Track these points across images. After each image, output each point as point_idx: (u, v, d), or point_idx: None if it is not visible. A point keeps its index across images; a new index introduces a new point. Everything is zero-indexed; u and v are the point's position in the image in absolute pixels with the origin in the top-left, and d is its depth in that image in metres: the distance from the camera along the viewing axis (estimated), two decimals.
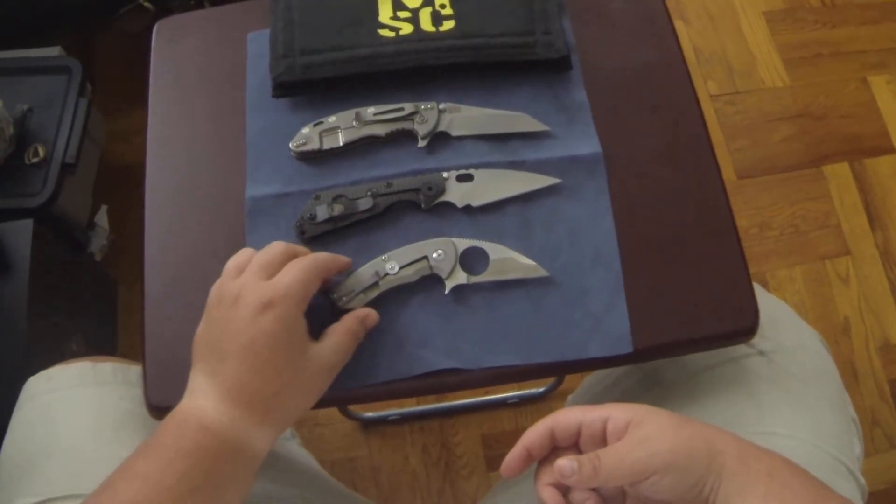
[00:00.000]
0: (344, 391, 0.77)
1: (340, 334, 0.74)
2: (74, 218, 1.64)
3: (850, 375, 1.70)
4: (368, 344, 0.78)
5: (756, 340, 0.85)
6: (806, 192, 1.89)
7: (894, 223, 1.87)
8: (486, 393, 1.64)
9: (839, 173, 1.92)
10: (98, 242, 1.73)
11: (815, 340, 0.93)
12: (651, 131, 0.89)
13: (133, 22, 1.96)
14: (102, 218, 1.77)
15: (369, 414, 1.61)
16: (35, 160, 1.49)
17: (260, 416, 0.69)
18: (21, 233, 1.37)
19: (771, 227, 1.84)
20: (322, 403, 0.76)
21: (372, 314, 0.76)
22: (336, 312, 0.77)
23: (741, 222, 1.83)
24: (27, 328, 1.29)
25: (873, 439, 1.66)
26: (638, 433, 0.64)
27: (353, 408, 1.58)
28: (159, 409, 0.78)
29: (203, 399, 0.69)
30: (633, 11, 0.96)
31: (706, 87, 1.99)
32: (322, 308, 0.78)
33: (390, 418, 1.62)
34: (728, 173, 1.89)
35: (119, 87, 1.95)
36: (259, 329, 0.69)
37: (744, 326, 0.81)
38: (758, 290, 0.85)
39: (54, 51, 1.72)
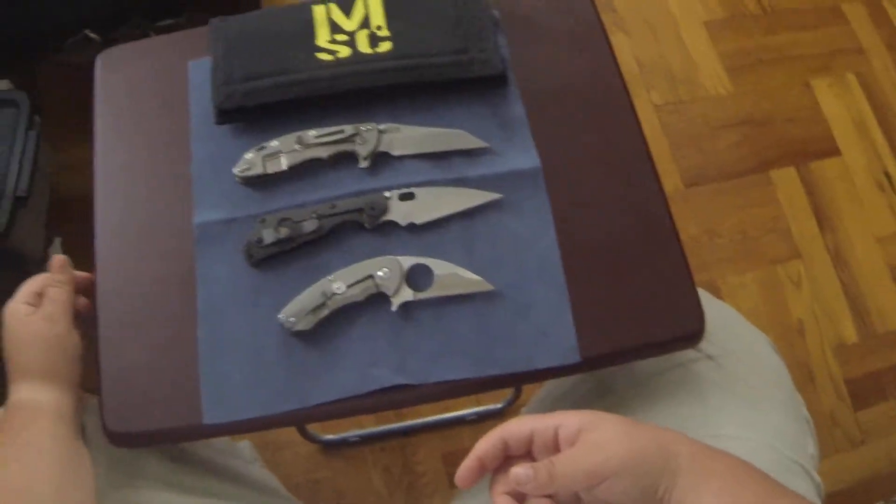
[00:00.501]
0: (298, 410, 0.79)
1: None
2: (28, 251, 1.64)
3: (807, 377, 1.73)
4: (320, 362, 0.80)
5: (704, 345, 0.87)
6: (754, 198, 1.92)
7: (843, 225, 1.90)
8: (445, 410, 1.65)
9: (786, 178, 1.95)
10: None
11: (763, 344, 0.95)
12: (589, 143, 0.90)
13: (80, 54, 1.96)
14: (57, 250, 1.76)
15: (329, 436, 1.61)
16: None
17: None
18: None
19: (720, 234, 1.87)
20: (278, 423, 0.77)
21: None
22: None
23: (690, 230, 1.85)
24: None
25: (834, 439, 1.69)
26: (590, 438, 0.65)
27: (313, 430, 1.58)
28: (119, 434, 0.79)
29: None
30: (567, 25, 0.97)
31: (650, 97, 2.02)
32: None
33: (350, 440, 1.62)
34: (675, 181, 1.91)
35: (68, 118, 1.94)
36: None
37: (689, 331, 0.83)
38: (705, 296, 0.87)
39: (3, 84, 1.72)
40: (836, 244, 1.88)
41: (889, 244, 1.90)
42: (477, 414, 1.63)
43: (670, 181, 1.91)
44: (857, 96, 2.07)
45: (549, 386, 1.12)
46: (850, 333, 1.79)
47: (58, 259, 0.90)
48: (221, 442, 1.15)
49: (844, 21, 2.17)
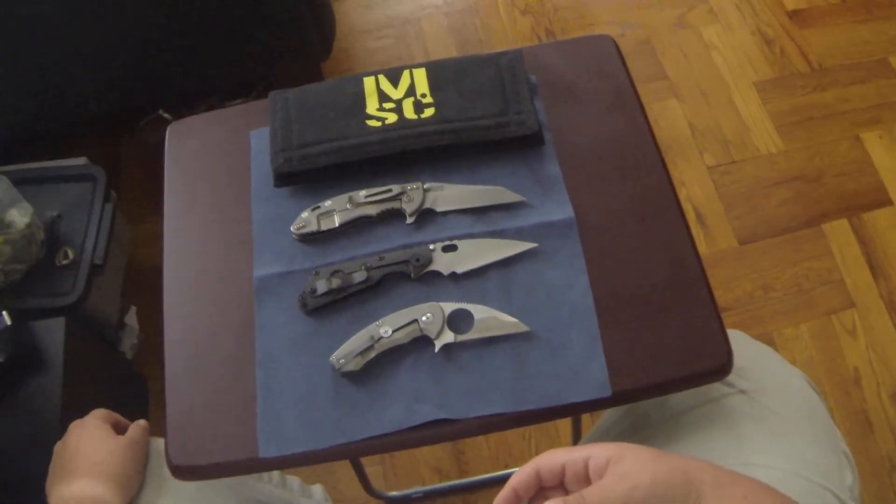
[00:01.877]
0: (347, 444, 0.85)
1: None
2: (104, 317, 1.73)
3: (865, 425, 1.73)
4: (368, 400, 0.86)
5: (737, 381, 0.92)
6: (807, 252, 1.95)
7: None
8: (506, 466, 1.69)
9: (838, 230, 1.98)
10: (128, 341, 1.81)
11: (799, 379, 0.98)
12: (620, 195, 0.96)
13: (153, 132, 2.08)
14: (132, 318, 1.86)
15: (394, 493, 1.66)
16: (65, 262, 1.58)
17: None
18: (54, 330, 1.45)
19: (774, 289, 1.90)
20: (328, 456, 0.84)
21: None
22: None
23: (745, 286, 1.89)
24: (59, 423, 1.37)
25: (893, 484, 1.69)
26: (618, 469, 0.68)
27: (378, 487, 1.63)
28: (180, 468, 0.86)
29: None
30: (601, 90, 1.04)
31: (703, 160, 2.07)
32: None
33: (414, 496, 1.67)
34: (729, 241, 1.95)
35: (142, 194, 2.06)
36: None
37: (716, 366, 0.87)
38: (741, 336, 0.92)
39: (80, 160, 1.83)
40: (889, 292, 1.90)
41: None
42: None
43: (725, 240, 1.95)
44: None
45: (595, 426, 1.17)
46: None
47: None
48: (297, 484, 1.22)
49: (892, 73, 2.21)
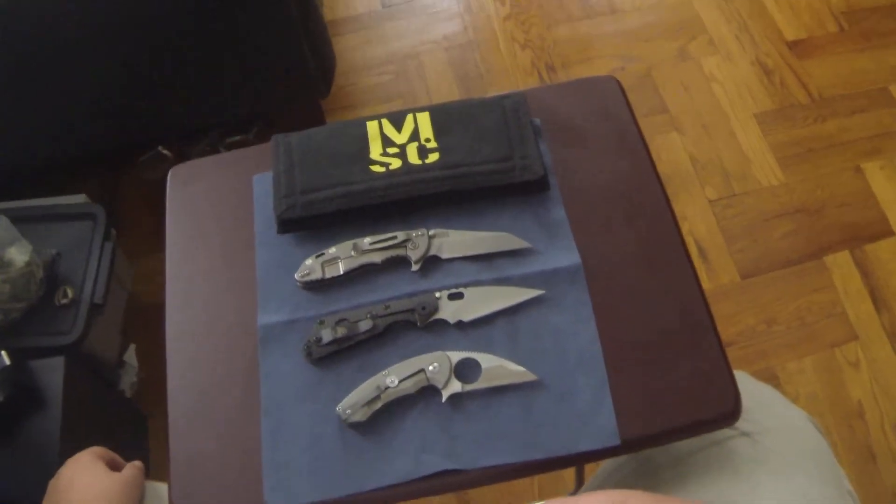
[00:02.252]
0: (354, 495, 0.84)
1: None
2: (104, 356, 1.72)
3: (868, 457, 1.73)
4: (375, 451, 0.85)
5: (741, 423, 0.91)
6: (810, 285, 1.95)
7: None
8: None
9: (841, 262, 1.98)
10: (128, 379, 1.80)
11: (802, 420, 0.98)
12: (627, 239, 0.96)
13: (152, 169, 2.08)
14: (131, 356, 1.84)
15: None
16: (64, 301, 1.57)
17: None
18: (53, 370, 1.44)
19: (777, 322, 1.89)
20: None
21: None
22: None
23: (748, 321, 1.89)
24: (58, 462, 1.35)
25: None
26: None
27: None
28: None
29: None
30: (605, 131, 1.04)
31: (704, 193, 2.07)
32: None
33: None
34: (731, 275, 1.95)
35: (142, 230, 2.05)
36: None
37: (725, 412, 0.87)
38: (744, 376, 0.91)
39: (80, 198, 1.82)
40: (892, 323, 1.90)
41: None
42: None
43: (727, 274, 1.95)
44: None
45: (599, 470, 1.16)
46: None
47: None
48: None
49: (893, 102, 2.22)
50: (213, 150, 2.07)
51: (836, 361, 1.84)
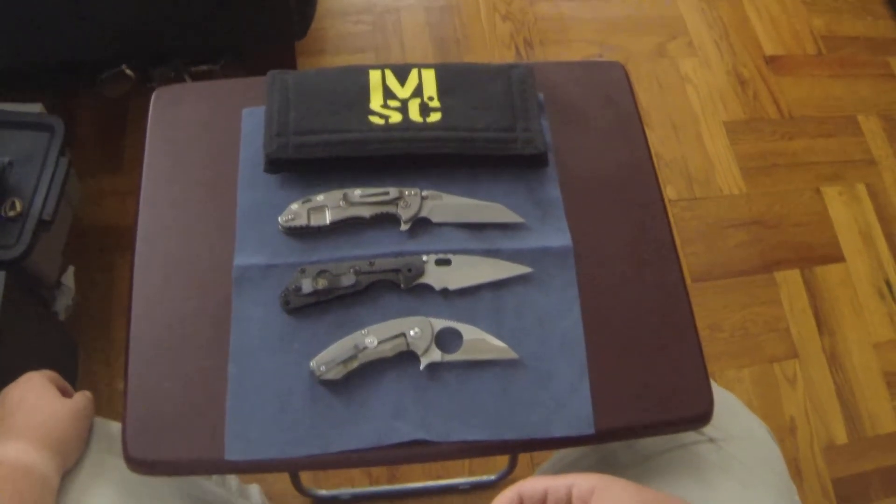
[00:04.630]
0: (319, 456, 0.81)
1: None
2: (44, 275, 1.66)
3: (795, 475, 1.75)
4: (345, 412, 0.82)
5: (707, 428, 0.91)
6: (758, 297, 1.96)
7: (842, 329, 1.95)
8: (438, 478, 1.66)
9: (790, 280, 2.00)
10: (63, 302, 1.74)
11: (763, 431, 0.99)
12: (619, 229, 0.95)
13: (114, 87, 2.00)
14: (69, 278, 1.78)
15: (322, 492, 1.62)
16: (11, 214, 1.50)
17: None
18: None
19: (721, 329, 1.91)
20: (297, 465, 0.80)
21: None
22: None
23: None
24: None
25: None
26: (604, 496, 0.67)
27: (306, 483, 1.60)
28: (137, 461, 0.81)
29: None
30: (607, 116, 1.02)
31: (665, 192, 2.06)
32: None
33: (342, 497, 1.63)
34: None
35: (95, 150, 1.99)
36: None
37: (699, 413, 0.86)
38: (710, 381, 0.90)
39: (36, 107, 1.75)
40: (832, 347, 1.92)
41: (885, 350, 1.94)
42: (470, 484, 1.64)
43: None
44: (865, 206, 2.13)
45: (555, 458, 1.15)
46: (840, 434, 1.82)
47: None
48: (235, 482, 1.18)
49: (859, 132, 2.25)
50: (178, 77, 2.01)
51: (775, 376, 1.86)
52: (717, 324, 1.91)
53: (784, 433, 1.79)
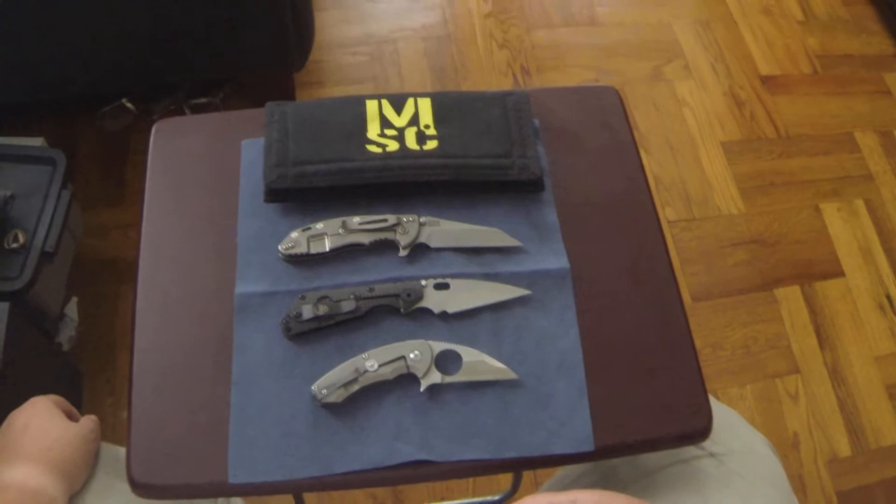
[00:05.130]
0: (321, 477, 0.82)
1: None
2: (47, 307, 1.67)
3: (799, 489, 1.75)
4: (347, 434, 0.84)
5: (707, 444, 0.92)
6: (758, 314, 1.97)
7: (843, 344, 1.96)
8: (442, 499, 1.67)
9: (790, 296, 2.01)
10: (66, 333, 1.75)
11: (764, 446, 1.00)
12: (616, 250, 0.96)
13: (114, 121, 2.03)
14: (73, 309, 1.80)
15: None
16: (14, 246, 1.51)
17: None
18: None
19: (723, 348, 1.92)
20: (300, 488, 0.81)
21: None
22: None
23: (695, 342, 1.89)
24: None
25: None
26: None
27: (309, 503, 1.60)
28: (142, 485, 0.82)
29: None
30: (603, 142, 1.04)
31: (664, 214, 2.08)
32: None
33: None
34: (683, 296, 1.95)
35: (96, 183, 2.00)
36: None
37: (698, 429, 0.88)
38: (711, 398, 0.91)
39: (37, 141, 1.77)
40: (834, 361, 1.93)
41: (886, 364, 1.95)
42: None
43: None
44: (863, 221, 2.15)
45: (557, 476, 1.16)
46: (843, 448, 1.83)
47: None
48: None
49: (856, 149, 2.26)
50: (178, 110, 2.04)
51: (777, 392, 1.87)
52: (719, 342, 1.92)
53: (787, 448, 1.80)
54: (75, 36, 1.69)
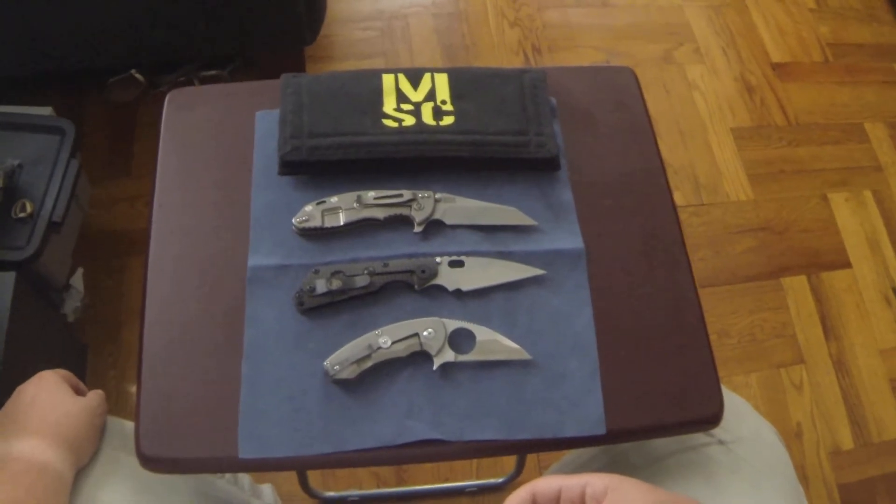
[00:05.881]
0: (332, 454, 0.82)
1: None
2: (53, 277, 1.66)
3: (801, 479, 1.72)
4: (359, 411, 0.83)
5: (716, 430, 0.91)
6: (765, 303, 1.97)
7: (848, 335, 1.95)
8: (446, 480, 1.67)
9: (797, 286, 2.00)
10: (71, 304, 1.75)
11: (771, 433, 1.00)
12: (630, 232, 0.95)
13: (122, 92, 2.02)
14: (78, 280, 1.79)
15: (330, 493, 1.63)
16: (22, 215, 1.51)
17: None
18: (3, 284, 1.39)
19: (729, 335, 1.91)
20: (310, 464, 0.81)
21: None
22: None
23: None
24: None
25: None
26: (616, 497, 0.67)
27: (314, 485, 1.60)
28: (151, 458, 0.82)
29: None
30: (618, 122, 1.03)
31: (673, 198, 2.07)
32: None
33: (350, 499, 1.64)
34: None
35: (104, 154, 2.00)
36: None
37: (709, 415, 0.87)
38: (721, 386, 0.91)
39: (46, 111, 1.76)
40: (839, 353, 1.93)
41: (891, 357, 1.94)
42: (477, 486, 1.64)
43: None
44: (871, 212, 2.14)
45: (565, 460, 1.15)
46: (846, 440, 1.82)
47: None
48: (248, 481, 1.18)
49: (866, 139, 2.25)
50: (188, 82, 2.03)
51: (781, 381, 1.87)
52: (725, 329, 1.92)
53: (790, 438, 1.80)
54: (87, 5, 1.67)
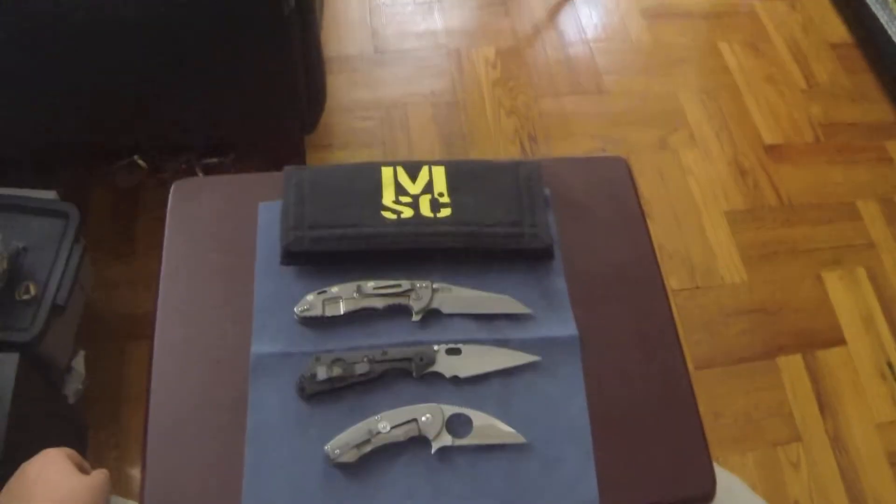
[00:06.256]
0: None
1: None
2: (56, 359, 1.68)
3: None
4: (359, 494, 0.85)
5: None
6: (760, 383, 1.98)
7: (844, 411, 1.97)
8: None
9: (792, 365, 2.02)
10: (73, 386, 1.76)
11: None
12: (623, 319, 0.98)
13: (126, 177, 2.05)
14: (80, 363, 1.81)
15: None
16: (25, 297, 1.53)
17: None
18: (7, 365, 1.41)
19: (724, 416, 1.92)
20: None
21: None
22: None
23: None
24: (2, 460, 1.31)
25: None
26: None
27: None
28: None
29: None
30: (611, 212, 1.07)
31: (668, 283, 2.10)
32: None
33: None
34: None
35: (107, 238, 2.02)
36: None
37: (702, 493, 0.90)
38: (714, 465, 0.93)
39: (50, 194, 1.79)
40: (836, 429, 1.94)
41: (888, 431, 1.96)
42: None
43: None
44: (865, 289, 2.17)
45: None
46: None
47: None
48: None
49: (858, 217, 2.30)
50: (189, 169, 2.06)
51: (778, 460, 1.87)
52: (720, 410, 1.93)
53: None
54: (92, 91, 1.71)
